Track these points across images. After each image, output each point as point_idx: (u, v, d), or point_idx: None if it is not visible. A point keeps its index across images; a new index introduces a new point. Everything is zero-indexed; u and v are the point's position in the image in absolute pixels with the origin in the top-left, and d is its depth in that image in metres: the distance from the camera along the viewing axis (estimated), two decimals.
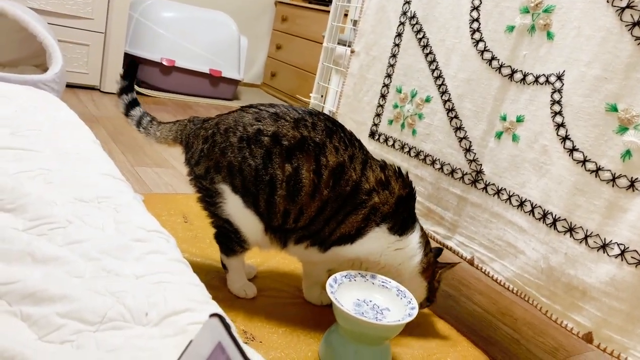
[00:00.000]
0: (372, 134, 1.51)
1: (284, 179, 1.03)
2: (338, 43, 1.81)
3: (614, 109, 0.94)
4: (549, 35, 1.06)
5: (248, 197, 1.06)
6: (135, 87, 3.03)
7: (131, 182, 1.70)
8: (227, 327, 0.39)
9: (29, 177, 0.94)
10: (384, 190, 1.08)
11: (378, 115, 1.49)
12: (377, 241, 1.09)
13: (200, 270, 1.23)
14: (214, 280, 1.21)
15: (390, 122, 1.45)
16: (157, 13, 3.08)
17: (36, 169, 0.99)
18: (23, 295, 0.59)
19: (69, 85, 2.75)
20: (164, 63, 3.05)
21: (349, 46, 1.62)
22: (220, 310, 0.70)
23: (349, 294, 1.07)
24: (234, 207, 1.08)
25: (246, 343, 1.00)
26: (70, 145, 1.17)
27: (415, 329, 1.21)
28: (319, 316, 1.17)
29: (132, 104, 1.31)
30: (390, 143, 1.44)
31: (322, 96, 1.81)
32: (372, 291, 1.08)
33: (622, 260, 0.92)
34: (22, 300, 0.59)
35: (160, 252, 0.80)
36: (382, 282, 1.10)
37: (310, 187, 1.04)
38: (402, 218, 1.10)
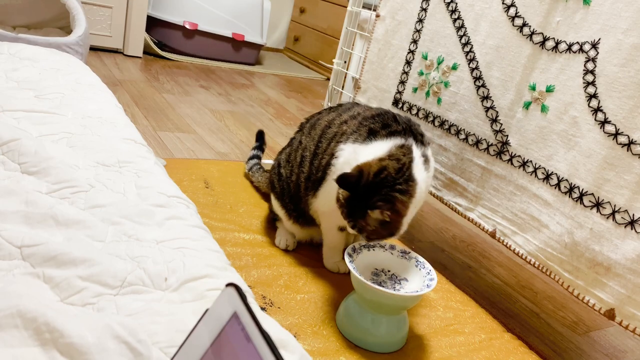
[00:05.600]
0: (396, 102, 1.48)
1: (298, 145, 1.23)
2: (363, 7, 1.75)
3: None
4: (586, 1, 1.01)
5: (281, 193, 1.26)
6: (158, 50, 3.01)
7: (153, 147, 1.71)
8: (243, 297, 0.38)
9: (52, 141, 0.95)
10: (354, 120, 1.12)
11: (402, 82, 1.46)
12: (346, 154, 1.06)
13: (220, 235, 1.24)
14: (234, 246, 1.22)
15: (415, 89, 1.41)
16: None
17: (59, 133, 1.00)
18: (46, 258, 0.60)
19: (93, 48, 2.75)
20: (187, 26, 3.02)
21: (374, 10, 1.57)
22: (238, 277, 0.71)
23: (367, 264, 1.07)
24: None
25: (264, 309, 1.02)
26: (93, 109, 1.18)
27: (433, 299, 1.21)
28: (337, 284, 1.17)
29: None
30: (414, 112, 1.41)
31: (345, 62, 1.77)
32: (391, 261, 1.08)
33: None
34: (44, 263, 0.60)
35: (180, 218, 0.80)
36: (401, 252, 1.09)
37: (302, 136, 1.22)
38: (368, 129, 1.06)
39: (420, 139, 1.06)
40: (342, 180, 0.97)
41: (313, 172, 1.14)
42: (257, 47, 3.34)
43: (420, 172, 1.01)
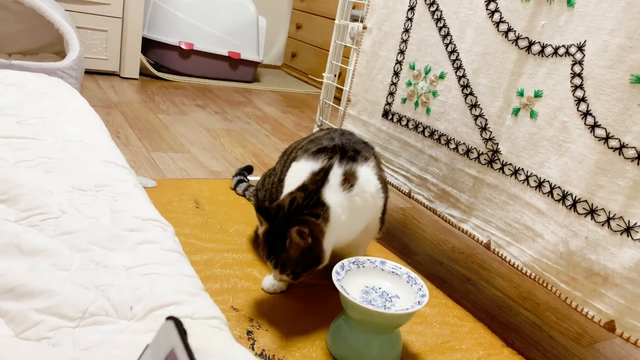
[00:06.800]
0: (386, 114, 1.45)
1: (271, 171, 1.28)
2: (353, 20, 1.74)
3: None
4: (570, 3, 0.98)
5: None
6: (155, 72, 3.02)
7: (146, 168, 1.70)
8: (181, 333, 0.36)
9: (28, 167, 0.94)
10: (309, 144, 1.14)
11: (391, 93, 1.43)
12: (289, 175, 1.11)
13: (209, 256, 1.21)
14: (222, 267, 1.19)
15: (404, 100, 1.39)
16: None
17: (37, 158, 0.98)
18: (4, 290, 0.58)
19: (89, 72, 2.76)
20: (183, 47, 3.03)
21: (361, 22, 1.56)
22: (210, 303, 0.68)
23: (357, 281, 1.03)
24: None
25: (251, 332, 0.98)
26: (76, 132, 1.16)
27: (429, 315, 1.17)
28: (327, 304, 1.14)
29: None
30: (404, 123, 1.38)
31: (335, 75, 1.75)
32: (382, 278, 1.05)
33: None
34: (2, 295, 0.57)
35: (154, 242, 0.78)
36: (392, 268, 1.06)
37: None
38: (305, 149, 1.11)
39: (351, 155, 1.07)
40: (261, 210, 1.00)
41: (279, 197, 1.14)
42: (254, 64, 3.34)
43: (334, 195, 1.02)
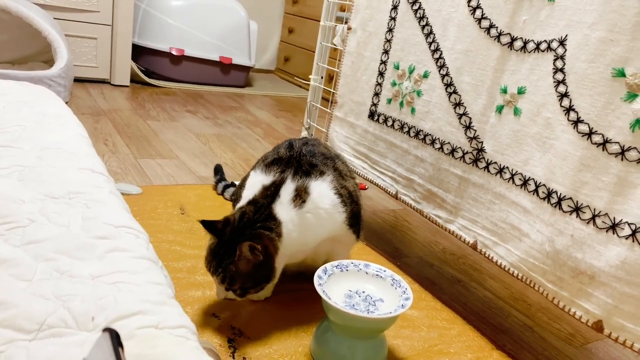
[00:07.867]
0: (372, 115, 1.43)
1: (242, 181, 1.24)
2: (341, 21, 1.72)
3: (621, 74, 0.84)
4: None
5: None
6: (146, 78, 3.01)
7: (132, 175, 1.68)
8: (115, 346, 0.34)
9: (0, 175, 0.92)
10: (272, 150, 1.15)
11: (377, 94, 1.41)
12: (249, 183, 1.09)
13: (192, 263, 1.19)
14: (205, 274, 1.16)
15: (389, 101, 1.37)
16: (164, 2, 3.04)
17: (11, 167, 0.96)
18: None
19: (80, 80, 2.75)
20: (174, 53, 3.02)
21: (345, 23, 1.54)
22: (178, 311, 0.66)
23: (340, 285, 1.01)
24: None
25: (233, 340, 0.96)
26: (55, 140, 1.14)
27: (417, 318, 1.15)
28: (311, 309, 1.11)
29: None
30: (390, 123, 1.37)
31: (322, 77, 1.73)
32: (365, 281, 1.02)
33: (633, 241, 0.83)
34: None
35: (124, 250, 0.75)
36: (377, 271, 1.04)
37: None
38: (264, 158, 1.12)
39: (305, 170, 1.04)
40: (206, 224, 0.96)
41: None
42: (246, 69, 3.33)
43: (286, 211, 1.00)
